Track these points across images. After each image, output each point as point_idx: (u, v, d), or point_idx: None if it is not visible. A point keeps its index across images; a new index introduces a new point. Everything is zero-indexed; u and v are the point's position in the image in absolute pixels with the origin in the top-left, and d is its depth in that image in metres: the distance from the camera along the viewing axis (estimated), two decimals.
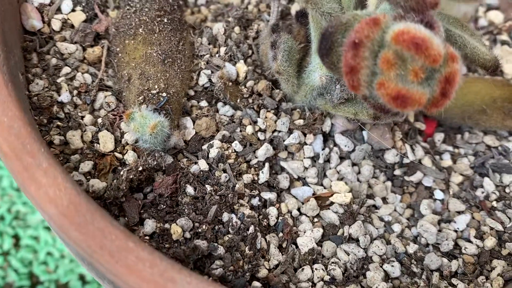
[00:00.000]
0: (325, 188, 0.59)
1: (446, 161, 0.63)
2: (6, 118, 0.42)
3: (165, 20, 0.57)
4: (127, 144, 0.53)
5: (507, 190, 0.61)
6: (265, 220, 0.54)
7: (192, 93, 0.58)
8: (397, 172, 0.61)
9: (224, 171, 0.54)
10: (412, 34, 0.40)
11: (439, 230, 0.57)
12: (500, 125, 0.64)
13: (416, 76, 0.42)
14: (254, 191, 0.55)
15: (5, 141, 0.41)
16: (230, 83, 0.58)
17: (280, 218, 0.55)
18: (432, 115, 0.65)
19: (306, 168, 0.59)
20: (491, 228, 0.57)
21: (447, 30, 0.49)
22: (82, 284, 0.75)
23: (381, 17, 0.42)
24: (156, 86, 0.54)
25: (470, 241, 0.57)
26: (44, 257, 0.76)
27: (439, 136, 0.64)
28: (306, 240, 0.53)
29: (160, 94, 0.54)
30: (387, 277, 0.53)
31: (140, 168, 0.49)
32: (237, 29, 0.63)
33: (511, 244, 0.56)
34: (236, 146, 0.56)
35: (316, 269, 0.52)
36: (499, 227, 0.57)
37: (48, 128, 0.52)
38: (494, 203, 0.60)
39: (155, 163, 0.49)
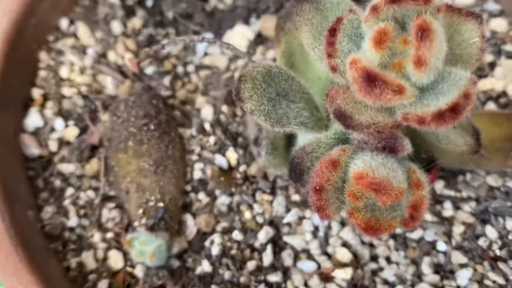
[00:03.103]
0: (329, 256, 0.61)
1: (448, 210, 0.63)
2: (22, 286, 0.47)
3: (152, 127, 0.59)
4: None
5: (510, 236, 0.61)
6: None
7: (189, 188, 0.61)
8: (398, 230, 0.62)
9: (228, 267, 0.58)
10: (369, 179, 0.40)
11: (442, 287, 0.59)
12: (500, 166, 0.63)
13: (384, 204, 0.43)
14: (259, 277, 0.59)
15: None
16: (222, 175, 0.61)
17: None
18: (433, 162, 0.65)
19: (308, 242, 0.61)
20: (494, 282, 0.59)
21: (420, 133, 0.48)
22: None
23: (340, 156, 0.43)
24: (152, 198, 0.57)
25: None
26: None
27: (439, 184, 0.64)
28: None
29: (157, 204, 0.57)
30: None
31: None
32: (224, 108, 0.65)
33: None
34: (237, 236, 0.59)
35: None
36: (501, 281, 0.58)
37: (64, 253, 0.57)
38: (498, 252, 0.60)
39: (160, 282, 0.54)
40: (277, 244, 0.61)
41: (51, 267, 0.53)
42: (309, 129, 0.51)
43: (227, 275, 0.58)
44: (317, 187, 0.42)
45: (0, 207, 0.51)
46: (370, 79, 0.39)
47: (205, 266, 0.58)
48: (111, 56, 0.68)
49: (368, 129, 0.42)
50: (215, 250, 0.58)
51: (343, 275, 0.59)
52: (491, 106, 0.70)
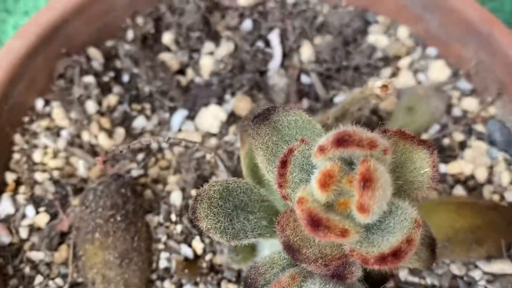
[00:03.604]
0: None
1: None
2: None
3: (119, 218, 0.60)
4: None
5: None
6: None
7: (154, 276, 0.62)
8: None
9: None
10: None
11: None
12: (463, 257, 0.64)
13: None
14: None
15: None
16: (187, 266, 0.62)
17: None
18: None
19: None
20: None
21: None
22: None
23: (290, 285, 0.44)
24: None
25: None
26: None
27: (404, 272, 0.65)
28: None
29: None
30: None
31: None
32: (194, 192, 0.66)
33: None
34: None
35: None
36: None
37: None
38: None
39: None
40: None
41: None
42: (268, 238, 0.52)
43: None
44: None
45: None
46: (314, 223, 0.40)
47: None
48: (85, 136, 0.69)
49: (315, 263, 0.43)
50: None
51: None
52: (459, 189, 0.71)
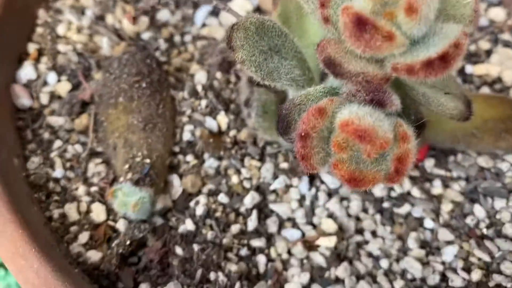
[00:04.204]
0: (314, 227, 0.61)
1: (437, 188, 0.63)
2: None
3: (144, 85, 0.59)
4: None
5: (498, 216, 0.61)
6: (254, 269, 0.57)
7: (177, 149, 0.61)
8: (386, 205, 0.62)
9: (211, 227, 0.58)
10: (355, 126, 0.40)
11: (427, 263, 0.59)
12: (492, 146, 0.63)
13: (368, 156, 0.42)
14: (242, 240, 0.58)
15: (1, 246, 0.46)
16: (212, 138, 0.60)
17: (269, 264, 0.58)
18: (423, 140, 0.65)
19: (293, 210, 0.61)
20: (479, 259, 0.58)
21: (410, 89, 0.48)
22: None
23: (328, 105, 0.42)
24: (139, 154, 0.57)
25: (457, 273, 0.58)
26: None
27: (429, 162, 0.64)
28: (294, 286, 0.57)
29: (144, 160, 0.57)
30: None
31: (128, 242, 0.53)
32: (218, 74, 0.65)
33: (497, 275, 0.57)
34: (222, 198, 0.59)
35: None
36: (487, 258, 0.58)
37: (47, 204, 0.56)
38: (485, 231, 0.60)
39: (141, 235, 0.54)
40: (262, 211, 0.61)
41: (33, 213, 0.52)
42: (300, 87, 0.51)
43: (210, 235, 0.57)
44: (303, 134, 0.42)
45: None
46: (361, 24, 0.39)
47: (188, 225, 0.57)
48: (109, 19, 0.68)
49: (357, 78, 0.42)
50: (199, 211, 0.58)
51: (327, 243, 0.58)
52: (485, 90, 0.70)
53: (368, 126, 0.40)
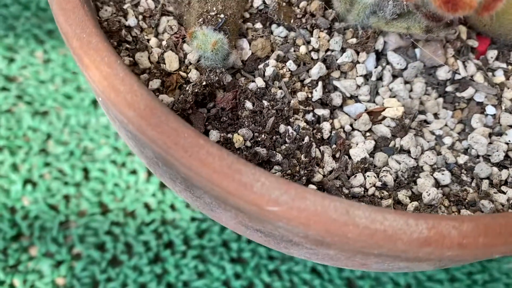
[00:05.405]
0: (377, 105, 0.61)
1: (499, 77, 0.63)
2: (85, 35, 0.47)
3: None
4: (190, 63, 0.57)
5: None
6: (319, 133, 0.57)
7: (247, 15, 0.61)
8: (449, 88, 0.62)
9: (280, 88, 0.58)
10: None
11: (490, 143, 0.59)
12: None
13: None
14: (308, 107, 0.58)
15: (86, 55, 0.46)
16: (284, 4, 0.60)
17: (333, 132, 0.58)
18: (486, 33, 0.65)
19: (358, 86, 0.61)
20: None
21: None
22: (147, 211, 0.79)
23: None
24: (214, 8, 0.57)
25: None
26: (112, 188, 0.80)
27: (492, 53, 0.64)
28: (359, 151, 0.57)
29: (218, 15, 0.57)
30: (437, 184, 0.56)
31: (204, 83, 0.53)
32: None
33: None
34: (291, 65, 0.59)
35: (368, 176, 0.55)
36: None
37: (118, 51, 0.56)
38: None
39: (217, 78, 0.53)
40: (327, 86, 0.61)
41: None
42: None
43: (279, 94, 0.57)
44: None
45: None
46: None
47: (258, 82, 0.57)
48: None
49: None
50: (269, 71, 0.58)
51: (395, 112, 0.58)
52: None
53: None
